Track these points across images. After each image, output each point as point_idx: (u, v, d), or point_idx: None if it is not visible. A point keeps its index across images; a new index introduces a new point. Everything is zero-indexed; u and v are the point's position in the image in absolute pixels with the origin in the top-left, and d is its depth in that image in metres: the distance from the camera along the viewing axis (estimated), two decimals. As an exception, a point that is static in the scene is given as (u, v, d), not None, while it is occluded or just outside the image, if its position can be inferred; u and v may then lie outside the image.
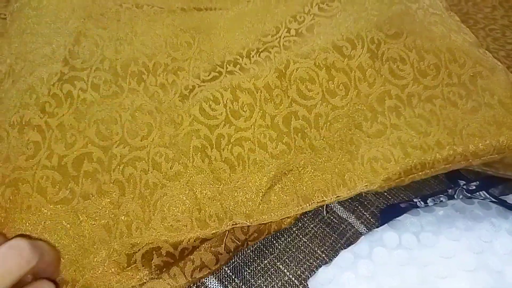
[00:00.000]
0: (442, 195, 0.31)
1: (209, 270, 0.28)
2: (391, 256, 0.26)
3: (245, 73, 0.30)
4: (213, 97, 0.29)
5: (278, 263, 0.29)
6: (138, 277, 0.25)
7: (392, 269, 0.25)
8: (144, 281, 0.26)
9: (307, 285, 0.27)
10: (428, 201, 0.31)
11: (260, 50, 0.31)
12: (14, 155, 0.27)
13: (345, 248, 0.27)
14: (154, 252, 0.25)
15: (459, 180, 0.32)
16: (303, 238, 0.30)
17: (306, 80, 0.29)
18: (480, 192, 0.31)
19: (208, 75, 0.30)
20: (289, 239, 0.30)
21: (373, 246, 0.26)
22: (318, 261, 0.29)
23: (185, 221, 0.26)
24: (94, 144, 0.28)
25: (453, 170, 0.28)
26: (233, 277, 0.29)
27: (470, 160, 0.27)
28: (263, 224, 0.28)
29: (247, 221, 0.26)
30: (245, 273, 0.29)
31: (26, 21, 0.32)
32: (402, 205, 0.31)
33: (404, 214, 0.28)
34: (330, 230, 0.30)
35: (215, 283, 0.29)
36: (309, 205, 0.27)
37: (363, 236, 0.27)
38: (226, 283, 0.29)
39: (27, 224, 0.26)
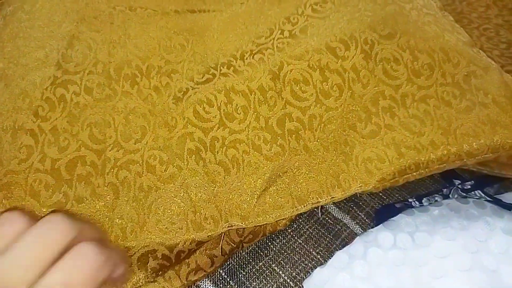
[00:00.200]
0: (437, 195, 0.31)
1: (204, 273, 0.28)
2: (386, 257, 0.25)
3: (239, 75, 0.30)
4: (207, 100, 0.29)
5: (273, 265, 0.29)
6: (134, 280, 0.25)
7: (387, 270, 0.25)
8: (140, 284, 0.26)
9: (303, 286, 0.27)
10: (423, 201, 0.31)
11: (254, 52, 0.31)
12: (6, 159, 0.27)
13: (340, 249, 0.27)
14: (149, 255, 0.25)
15: (455, 179, 0.32)
16: (298, 240, 0.30)
17: (300, 81, 0.29)
18: (475, 191, 0.31)
19: (202, 77, 0.30)
20: (284, 241, 0.30)
21: (368, 247, 0.26)
22: (313, 263, 0.29)
23: (180, 223, 0.26)
24: (87, 148, 0.27)
25: (448, 169, 0.28)
26: (228, 279, 0.29)
27: (465, 160, 0.27)
28: (258, 226, 0.28)
29: (242, 223, 0.26)
30: (240, 275, 0.29)
31: (19, 25, 0.32)
32: (397, 205, 0.31)
33: (399, 214, 0.28)
34: (325, 231, 0.30)
35: (210, 285, 0.29)
36: (304, 206, 0.27)
37: (358, 236, 0.27)
38: (221, 285, 0.29)
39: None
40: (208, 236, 0.26)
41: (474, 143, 0.27)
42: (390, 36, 0.29)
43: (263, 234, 0.29)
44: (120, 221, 0.26)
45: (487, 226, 0.26)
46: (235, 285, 0.28)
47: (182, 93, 0.30)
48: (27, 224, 0.19)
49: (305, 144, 0.28)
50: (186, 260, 0.27)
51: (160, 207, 0.26)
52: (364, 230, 0.30)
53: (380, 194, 0.32)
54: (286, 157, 0.27)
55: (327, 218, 0.31)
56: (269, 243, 0.30)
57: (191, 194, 0.27)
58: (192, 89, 0.30)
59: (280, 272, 0.29)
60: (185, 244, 0.26)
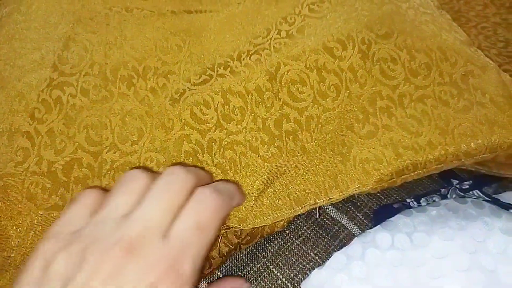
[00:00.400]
0: (435, 195, 0.31)
1: (202, 275, 0.27)
2: (384, 257, 0.25)
3: (236, 76, 0.29)
4: (204, 101, 0.29)
5: (271, 267, 0.29)
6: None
7: (385, 270, 0.25)
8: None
9: None
10: (421, 201, 0.31)
11: (250, 53, 0.30)
12: (3, 162, 0.26)
13: (338, 250, 0.27)
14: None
15: (453, 179, 0.32)
16: (296, 241, 0.30)
17: (297, 82, 0.29)
18: (474, 191, 0.31)
19: (199, 79, 0.30)
20: (282, 242, 0.30)
21: (366, 247, 0.26)
22: (311, 264, 0.29)
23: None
24: (84, 150, 0.27)
25: (446, 169, 0.28)
26: (227, 281, 0.29)
27: (463, 160, 0.27)
28: (256, 227, 0.28)
29: (240, 225, 0.26)
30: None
31: (15, 27, 0.32)
32: (395, 206, 0.31)
33: (397, 215, 0.28)
34: (323, 232, 0.30)
35: (208, 287, 0.28)
36: (302, 208, 0.27)
37: (356, 237, 0.27)
38: (220, 287, 0.28)
39: (18, 230, 0.25)
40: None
41: (472, 143, 0.27)
42: (387, 36, 0.29)
43: (261, 236, 0.29)
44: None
45: (485, 226, 0.26)
46: (233, 287, 0.28)
47: (179, 94, 0.30)
48: (150, 178, 0.22)
49: (303, 145, 0.28)
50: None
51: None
52: (362, 230, 0.30)
53: (378, 194, 0.32)
54: (284, 158, 0.27)
55: (325, 219, 0.31)
56: (267, 245, 0.30)
57: (188, 195, 0.27)
58: (189, 90, 0.30)
59: (278, 274, 0.28)
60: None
